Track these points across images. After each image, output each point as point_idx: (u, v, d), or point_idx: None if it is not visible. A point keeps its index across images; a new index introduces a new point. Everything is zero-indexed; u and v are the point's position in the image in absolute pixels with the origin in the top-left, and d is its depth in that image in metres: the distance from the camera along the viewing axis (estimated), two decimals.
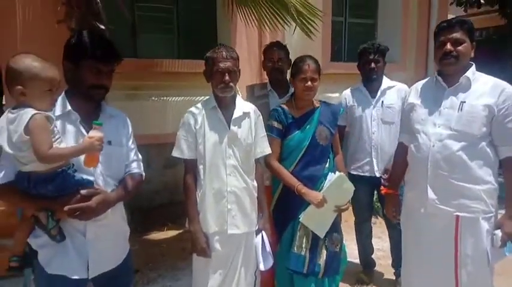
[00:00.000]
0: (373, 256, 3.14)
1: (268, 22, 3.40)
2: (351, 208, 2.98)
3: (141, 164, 1.80)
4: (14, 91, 1.39)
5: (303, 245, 2.22)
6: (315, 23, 3.19)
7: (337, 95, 5.15)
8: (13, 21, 3.59)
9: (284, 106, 2.31)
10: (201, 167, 1.97)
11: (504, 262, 2.89)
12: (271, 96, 2.64)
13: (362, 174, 2.84)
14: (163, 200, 4.39)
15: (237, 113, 2.00)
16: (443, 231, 1.92)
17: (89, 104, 1.62)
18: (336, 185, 2.20)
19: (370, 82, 2.85)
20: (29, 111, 1.37)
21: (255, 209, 2.08)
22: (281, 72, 2.62)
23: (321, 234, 2.23)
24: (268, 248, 2.06)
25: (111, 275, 1.65)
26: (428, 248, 1.98)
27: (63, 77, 1.60)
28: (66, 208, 1.43)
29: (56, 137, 1.44)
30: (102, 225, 1.58)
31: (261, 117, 2.13)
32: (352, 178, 2.78)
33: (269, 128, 2.25)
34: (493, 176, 1.88)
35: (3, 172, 1.44)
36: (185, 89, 4.22)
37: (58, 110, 1.55)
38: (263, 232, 2.08)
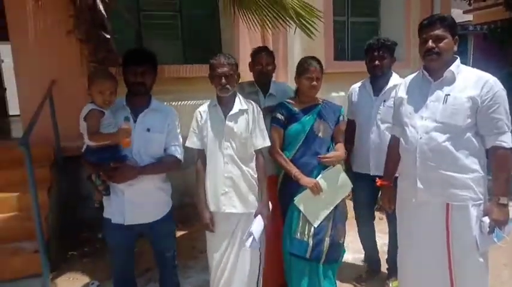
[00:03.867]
0: (380, 252, 3.14)
1: (269, 24, 3.49)
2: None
3: (179, 149, 2.25)
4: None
5: (306, 232, 2.39)
6: (315, 23, 3.25)
7: (342, 93, 5.21)
8: (25, 32, 3.77)
9: (289, 101, 2.54)
10: (206, 155, 2.31)
11: (510, 251, 2.90)
12: (259, 94, 2.82)
13: (361, 172, 2.81)
14: (174, 202, 4.48)
15: (234, 110, 2.30)
16: (435, 219, 2.00)
17: (138, 100, 2.17)
18: (332, 174, 2.38)
19: (375, 79, 2.79)
20: (89, 106, 2.02)
21: (253, 194, 2.34)
22: (268, 75, 2.83)
23: (314, 222, 2.38)
24: (254, 230, 2.25)
25: (151, 226, 2.22)
26: (421, 236, 2.05)
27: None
28: (100, 173, 2.07)
29: (106, 125, 2.02)
30: (136, 189, 2.12)
31: (261, 113, 2.38)
32: (354, 176, 2.84)
33: (273, 120, 2.52)
34: (479, 164, 1.94)
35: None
36: (192, 93, 4.33)
37: (119, 104, 2.15)
38: (259, 215, 2.32)
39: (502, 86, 1.90)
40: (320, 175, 2.39)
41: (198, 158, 2.34)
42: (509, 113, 1.92)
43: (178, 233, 3.99)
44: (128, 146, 2.04)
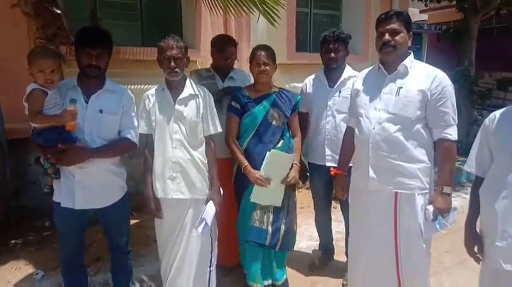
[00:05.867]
0: (333, 239, 3.24)
1: (233, 10, 3.42)
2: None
3: (134, 132, 2.19)
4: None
5: (264, 220, 2.44)
6: (278, 11, 3.23)
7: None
8: None
9: (244, 89, 2.57)
10: (154, 140, 2.27)
11: (452, 239, 3.09)
12: (216, 78, 2.85)
13: (318, 163, 2.85)
14: (129, 189, 4.34)
15: (183, 94, 2.27)
16: (384, 207, 2.09)
17: (91, 81, 2.08)
18: (270, 162, 2.41)
19: (330, 71, 2.84)
20: (32, 86, 1.91)
21: (203, 179, 2.33)
22: (230, 67, 2.87)
23: (278, 204, 2.46)
24: (206, 216, 2.27)
25: (104, 211, 2.15)
26: (371, 223, 2.14)
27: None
28: (48, 155, 1.98)
29: (51, 106, 1.92)
30: (87, 172, 2.05)
31: (212, 99, 2.36)
32: (311, 167, 2.93)
33: (229, 108, 2.55)
34: (427, 155, 2.04)
35: None
36: (150, 77, 4.17)
37: (69, 84, 2.07)
38: (211, 201, 2.33)
39: (450, 82, 2.00)
40: (262, 166, 2.42)
41: (146, 144, 2.29)
42: (456, 109, 2.02)
43: (132, 222, 3.89)
44: (73, 130, 1.94)
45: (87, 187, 2.06)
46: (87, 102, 2.05)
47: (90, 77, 2.06)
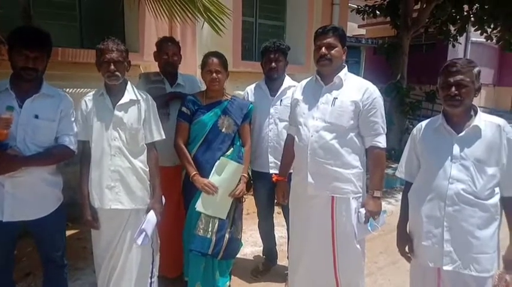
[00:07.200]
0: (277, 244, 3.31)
1: (178, 16, 3.39)
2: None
3: (72, 139, 2.10)
4: None
5: (209, 229, 2.40)
6: (223, 20, 3.26)
7: None
8: None
9: (195, 95, 2.54)
10: (91, 147, 2.16)
11: (386, 240, 3.29)
12: (165, 82, 2.81)
13: (261, 171, 2.88)
14: (66, 199, 4.09)
15: (124, 100, 2.18)
16: (322, 211, 2.20)
17: (26, 84, 1.96)
18: (220, 170, 2.41)
19: (271, 80, 2.92)
20: None
21: (144, 189, 2.25)
22: (174, 66, 2.82)
23: (223, 216, 2.43)
24: (146, 226, 2.19)
25: (37, 223, 2.02)
26: (310, 226, 2.23)
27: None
28: None
29: None
30: (18, 182, 1.93)
31: (155, 105, 2.30)
32: (254, 175, 2.95)
33: (179, 114, 2.51)
34: (360, 161, 2.19)
35: None
36: (89, 80, 3.99)
37: (1, 88, 1.94)
38: (152, 211, 2.25)
39: (379, 94, 2.17)
40: (211, 174, 2.41)
41: (82, 151, 2.20)
42: (385, 119, 2.18)
43: (68, 233, 3.67)
44: (5, 139, 1.83)
45: (19, 198, 1.94)
46: (21, 107, 1.94)
47: (25, 80, 1.94)
